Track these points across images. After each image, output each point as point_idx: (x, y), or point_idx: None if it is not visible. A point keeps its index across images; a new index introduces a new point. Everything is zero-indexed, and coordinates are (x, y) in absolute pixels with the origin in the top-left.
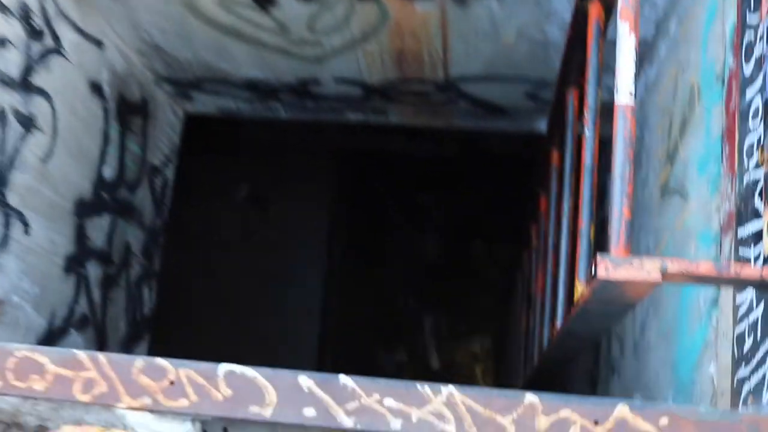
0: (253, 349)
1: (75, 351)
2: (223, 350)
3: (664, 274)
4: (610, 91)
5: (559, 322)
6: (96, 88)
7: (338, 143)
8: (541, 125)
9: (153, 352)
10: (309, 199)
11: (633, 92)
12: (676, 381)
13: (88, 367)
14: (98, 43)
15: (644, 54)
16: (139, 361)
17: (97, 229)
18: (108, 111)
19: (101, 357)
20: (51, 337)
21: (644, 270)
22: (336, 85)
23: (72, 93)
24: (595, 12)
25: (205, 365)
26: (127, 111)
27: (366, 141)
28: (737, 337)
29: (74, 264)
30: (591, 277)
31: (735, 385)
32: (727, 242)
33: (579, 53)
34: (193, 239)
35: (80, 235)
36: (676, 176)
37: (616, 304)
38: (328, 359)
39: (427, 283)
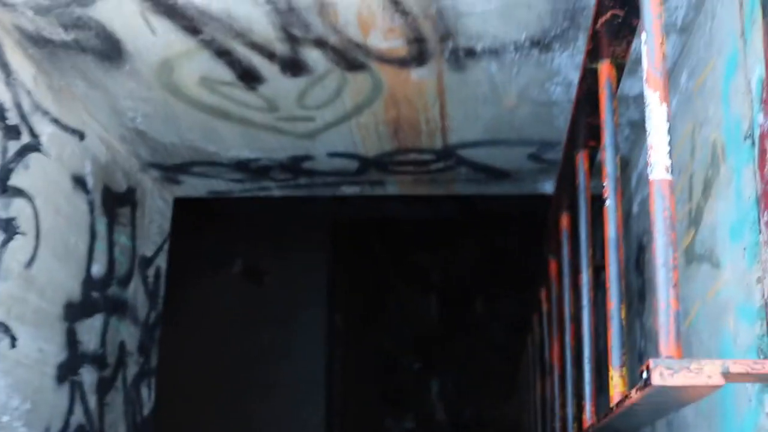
0: (262, 428)
1: None
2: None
3: (726, 376)
4: None
5: (588, 411)
6: (79, 181)
7: (333, 213)
8: (546, 187)
9: None
10: (306, 270)
11: (670, 167)
12: None
13: None
14: (79, 135)
15: None
16: None
17: (89, 332)
18: (93, 205)
19: None
20: None
21: (704, 374)
22: (330, 159)
23: (54, 190)
24: (605, 72)
25: None
26: (114, 202)
27: (362, 209)
28: None
29: (67, 372)
30: (644, 384)
31: None
32: None
33: (588, 114)
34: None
35: (71, 341)
36: (703, 242)
37: (669, 406)
38: (337, 430)
39: (431, 344)
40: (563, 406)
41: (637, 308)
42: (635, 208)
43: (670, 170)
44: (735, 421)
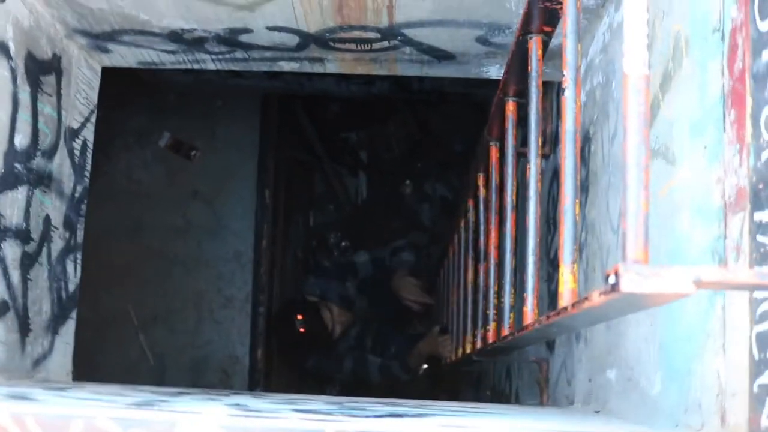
0: (187, 302)
1: None
2: (158, 306)
3: (698, 284)
4: None
5: (530, 303)
6: (1, 47)
7: (264, 88)
8: (491, 71)
9: (81, 323)
10: (235, 145)
11: (647, 60)
12: (666, 365)
13: None
14: None
15: None
16: (77, 422)
17: (12, 205)
18: (16, 72)
19: (29, 420)
20: None
21: (675, 282)
22: (269, 33)
23: None
24: None
25: (158, 422)
26: (38, 70)
27: (293, 85)
28: (758, 336)
29: None
30: (610, 289)
31: (756, 391)
32: (737, 223)
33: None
34: (116, 194)
35: None
36: (658, 136)
37: (628, 310)
38: (263, 307)
39: (359, 222)
40: (499, 295)
41: (579, 199)
42: (583, 98)
43: (647, 64)
44: (683, 321)
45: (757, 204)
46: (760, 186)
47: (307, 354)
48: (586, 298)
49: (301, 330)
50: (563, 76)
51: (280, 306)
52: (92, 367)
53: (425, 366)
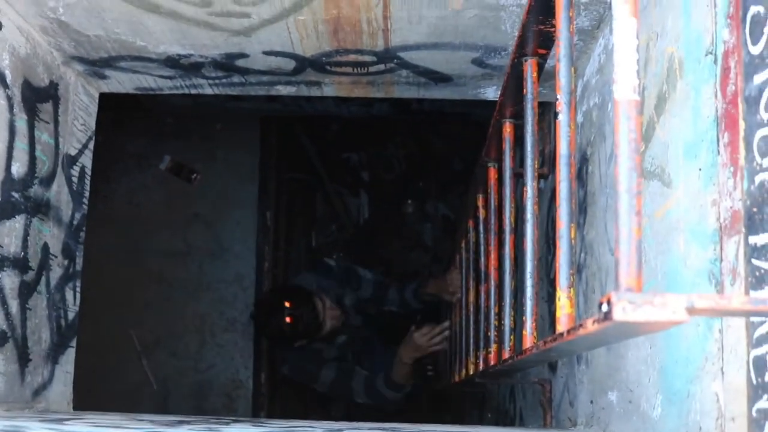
0: (189, 326)
1: None
2: (159, 330)
3: (691, 311)
4: None
5: (528, 327)
6: None
7: (263, 110)
8: (488, 93)
9: (81, 349)
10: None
11: (637, 86)
12: (665, 388)
13: None
14: None
15: (603, 17)
16: None
17: (10, 234)
18: (12, 100)
19: None
20: None
21: (668, 310)
22: (266, 58)
23: None
24: None
25: None
26: (35, 98)
27: (292, 106)
28: (755, 360)
29: None
30: (603, 317)
31: (755, 415)
32: (732, 246)
33: (540, 21)
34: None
35: None
36: (653, 158)
37: (623, 337)
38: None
39: (360, 243)
40: (500, 316)
41: (577, 220)
42: (579, 118)
43: (637, 90)
44: (681, 343)
45: (751, 227)
46: (754, 209)
47: (286, 354)
48: (581, 326)
49: (288, 319)
50: (557, 99)
51: (267, 291)
52: (94, 393)
53: (410, 386)
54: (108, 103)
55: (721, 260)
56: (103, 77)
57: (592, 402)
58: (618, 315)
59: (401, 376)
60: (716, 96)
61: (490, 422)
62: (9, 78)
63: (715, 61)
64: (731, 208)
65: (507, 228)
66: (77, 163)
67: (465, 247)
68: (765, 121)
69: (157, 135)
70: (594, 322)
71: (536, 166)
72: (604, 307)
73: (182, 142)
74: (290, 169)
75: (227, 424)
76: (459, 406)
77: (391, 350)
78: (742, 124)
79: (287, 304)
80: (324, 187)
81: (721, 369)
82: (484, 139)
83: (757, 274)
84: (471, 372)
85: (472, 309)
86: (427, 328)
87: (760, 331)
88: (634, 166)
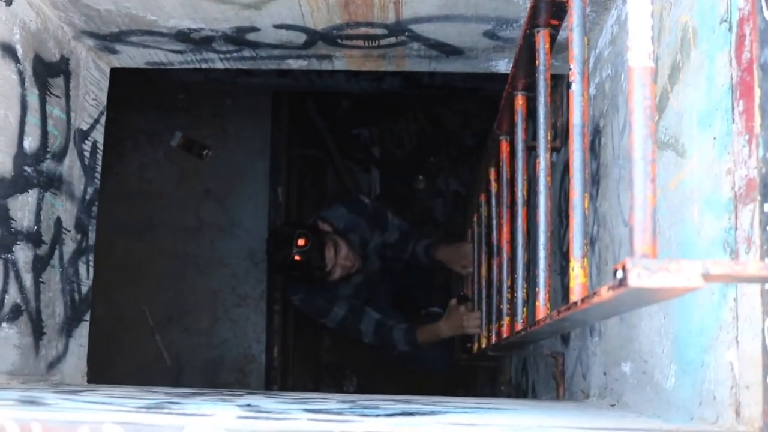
0: (201, 301)
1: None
2: (172, 305)
3: (706, 277)
4: None
5: (542, 299)
6: (8, 50)
7: (274, 85)
8: (499, 65)
9: (95, 324)
10: (247, 143)
11: (652, 53)
12: (679, 358)
13: None
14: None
15: None
16: (83, 429)
17: (23, 208)
18: (24, 75)
19: (35, 427)
20: None
21: (683, 276)
22: (276, 31)
23: None
24: None
25: (166, 426)
26: (46, 72)
27: (303, 81)
28: None
29: (0, 250)
30: (618, 284)
31: None
32: (747, 214)
33: None
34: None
35: (4, 217)
36: (667, 128)
37: (638, 304)
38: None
39: None
40: (513, 289)
41: (590, 192)
42: (592, 90)
43: (652, 57)
44: (695, 312)
45: (767, 195)
46: None
47: (300, 285)
48: (595, 293)
49: (297, 258)
50: (570, 69)
51: (283, 223)
52: (108, 368)
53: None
54: (119, 79)
55: (736, 229)
56: (114, 52)
57: (605, 374)
58: (633, 281)
59: (427, 340)
60: (731, 64)
61: (503, 395)
62: (20, 53)
63: (730, 29)
64: (746, 176)
65: (519, 201)
66: (89, 138)
67: (477, 221)
68: None
69: (168, 111)
70: (609, 289)
71: (549, 138)
72: (619, 274)
73: (193, 118)
74: (301, 144)
75: (240, 395)
76: (472, 380)
77: (392, 300)
78: (757, 92)
79: (300, 242)
80: (335, 163)
81: (736, 338)
82: (495, 113)
83: None
84: (484, 345)
85: (484, 283)
86: (477, 312)
87: None
88: (649, 133)
